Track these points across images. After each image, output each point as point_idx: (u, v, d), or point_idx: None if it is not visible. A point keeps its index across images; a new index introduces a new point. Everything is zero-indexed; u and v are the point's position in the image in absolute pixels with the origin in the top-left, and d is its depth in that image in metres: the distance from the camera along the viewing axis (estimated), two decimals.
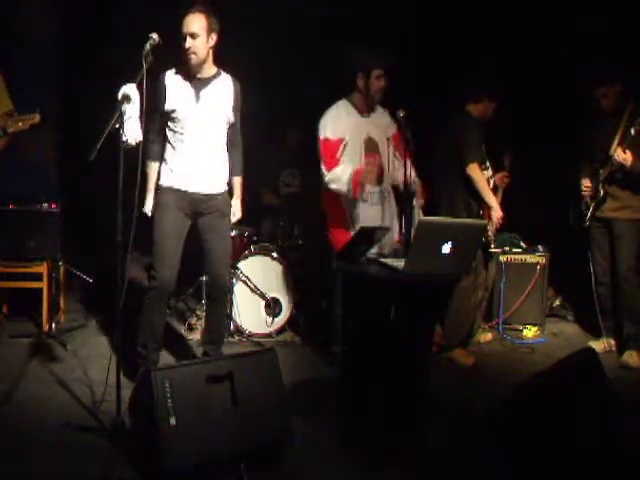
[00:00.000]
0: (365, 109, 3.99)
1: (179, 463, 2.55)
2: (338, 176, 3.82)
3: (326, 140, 3.88)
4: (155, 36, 3.13)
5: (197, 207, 3.56)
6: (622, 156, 4.16)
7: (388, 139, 4.00)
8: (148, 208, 3.58)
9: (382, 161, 3.97)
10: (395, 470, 2.82)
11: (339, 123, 3.91)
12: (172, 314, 5.12)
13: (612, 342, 4.57)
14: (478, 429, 3.08)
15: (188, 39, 3.37)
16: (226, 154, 3.66)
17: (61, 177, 5.31)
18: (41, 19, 5.16)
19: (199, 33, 3.36)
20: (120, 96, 2.97)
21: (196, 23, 3.36)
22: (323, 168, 3.89)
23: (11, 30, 5.03)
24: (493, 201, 4.31)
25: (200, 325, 4.63)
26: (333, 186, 3.85)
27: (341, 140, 3.87)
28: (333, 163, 3.86)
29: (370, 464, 2.85)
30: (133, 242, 3.08)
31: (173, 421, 2.58)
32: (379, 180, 3.97)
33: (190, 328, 4.73)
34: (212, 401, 2.70)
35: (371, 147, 3.97)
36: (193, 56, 3.40)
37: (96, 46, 5.29)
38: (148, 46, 3.11)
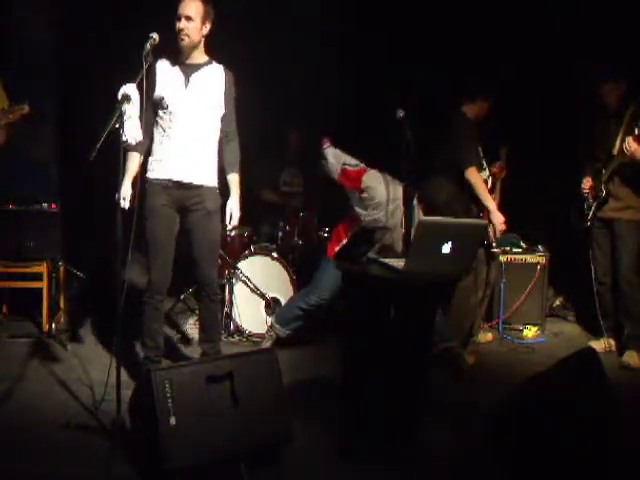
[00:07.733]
0: None
1: (179, 463, 2.55)
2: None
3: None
4: (155, 36, 3.14)
5: (183, 202, 3.51)
6: (634, 146, 4.07)
7: None
8: (123, 194, 3.35)
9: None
10: (395, 470, 2.82)
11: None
12: (172, 315, 5.12)
13: (612, 342, 4.56)
14: (478, 429, 3.08)
15: (183, 21, 3.36)
16: (216, 146, 3.59)
17: (61, 177, 5.31)
18: (41, 19, 5.15)
19: (194, 18, 3.36)
20: (120, 96, 2.97)
21: (193, 7, 3.35)
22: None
23: (11, 30, 5.03)
24: (492, 204, 4.31)
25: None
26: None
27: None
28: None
29: (370, 464, 2.85)
30: (133, 242, 3.08)
31: (173, 421, 2.58)
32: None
33: (185, 337, 4.68)
34: (212, 401, 2.70)
35: None
36: (186, 38, 3.39)
37: (96, 46, 5.30)
38: (148, 46, 3.12)
